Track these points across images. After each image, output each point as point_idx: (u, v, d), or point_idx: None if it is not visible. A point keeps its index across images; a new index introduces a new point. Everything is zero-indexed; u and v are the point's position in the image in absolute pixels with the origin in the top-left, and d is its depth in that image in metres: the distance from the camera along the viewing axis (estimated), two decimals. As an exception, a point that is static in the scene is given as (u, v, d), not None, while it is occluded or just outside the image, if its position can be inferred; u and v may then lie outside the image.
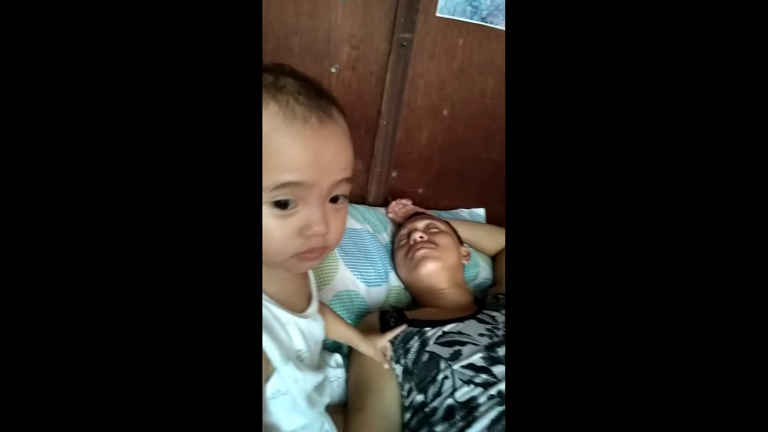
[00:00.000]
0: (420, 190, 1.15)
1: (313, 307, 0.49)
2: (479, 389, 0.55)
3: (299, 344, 0.44)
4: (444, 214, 1.10)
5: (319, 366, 0.51)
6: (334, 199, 0.38)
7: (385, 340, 0.64)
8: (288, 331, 0.43)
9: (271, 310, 0.41)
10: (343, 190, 0.38)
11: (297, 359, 0.44)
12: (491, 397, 0.54)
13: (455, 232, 0.91)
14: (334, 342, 0.79)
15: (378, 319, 0.74)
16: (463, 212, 1.15)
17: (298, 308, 0.46)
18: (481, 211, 1.17)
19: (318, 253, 0.39)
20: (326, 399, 0.53)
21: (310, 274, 0.53)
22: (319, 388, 0.48)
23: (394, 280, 0.88)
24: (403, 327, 0.66)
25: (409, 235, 0.87)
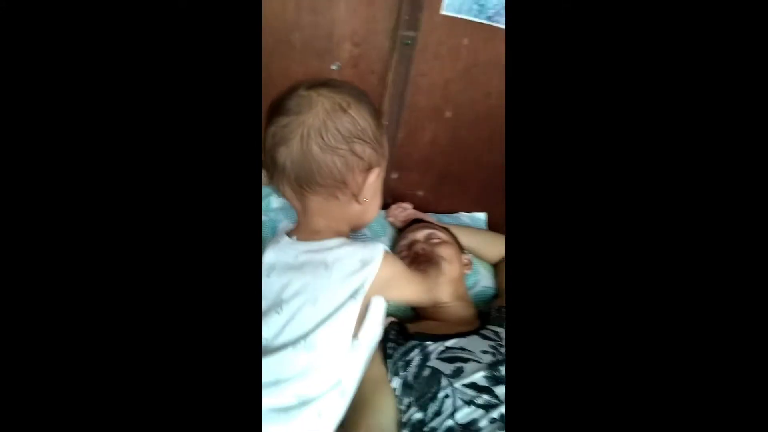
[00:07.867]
0: (420, 193, 1.12)
1: None
2: (480, 411, 0.53)
3: None
4: (444, 218, 1.08)
5: None
6: None
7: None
8: None
9: None
10: None
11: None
12: (493, 420, 0.51)
13: (456, 239, 0.89)
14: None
15: None
16: (464, 216, 1.12)
17: None
18: (482, 216, 1.14)
19: None
20: None
21: None
22: None
23: (392, 288, 0.85)
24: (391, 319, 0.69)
25: (409, 246, 0.84)
